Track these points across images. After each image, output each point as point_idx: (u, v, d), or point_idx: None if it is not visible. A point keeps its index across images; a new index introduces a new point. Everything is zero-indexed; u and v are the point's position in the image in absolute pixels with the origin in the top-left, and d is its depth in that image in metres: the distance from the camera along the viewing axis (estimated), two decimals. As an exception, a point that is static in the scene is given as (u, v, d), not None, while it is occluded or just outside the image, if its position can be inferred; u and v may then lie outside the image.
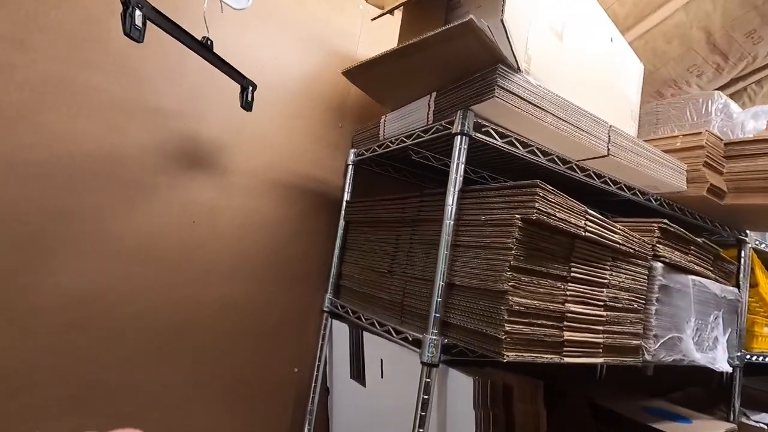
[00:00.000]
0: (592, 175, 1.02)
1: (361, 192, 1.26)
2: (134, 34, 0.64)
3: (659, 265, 0.92)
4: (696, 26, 1.50)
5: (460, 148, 0.81)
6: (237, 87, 0.98)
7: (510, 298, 0.68)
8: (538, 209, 0.68)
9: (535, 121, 0.81)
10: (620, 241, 0.83)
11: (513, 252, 0.69)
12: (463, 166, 0.81)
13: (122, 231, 0.97)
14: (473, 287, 0.74)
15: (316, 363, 1.20)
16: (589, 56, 1.00)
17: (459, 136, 0.81)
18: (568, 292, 0.76)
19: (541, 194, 0.69)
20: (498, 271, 0.70)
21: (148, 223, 1.00)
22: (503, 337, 0.68)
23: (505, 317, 0.68)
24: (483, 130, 0.84)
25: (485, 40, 0.73)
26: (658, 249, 0.92)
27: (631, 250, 0.86)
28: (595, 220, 0.78)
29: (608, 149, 0.93)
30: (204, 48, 0.80)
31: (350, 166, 1.24)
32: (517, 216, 0.70)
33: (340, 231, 1.22)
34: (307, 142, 1.21)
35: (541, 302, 0.72)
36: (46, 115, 0.90)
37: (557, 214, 0.71)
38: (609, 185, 1.06)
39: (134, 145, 0.98)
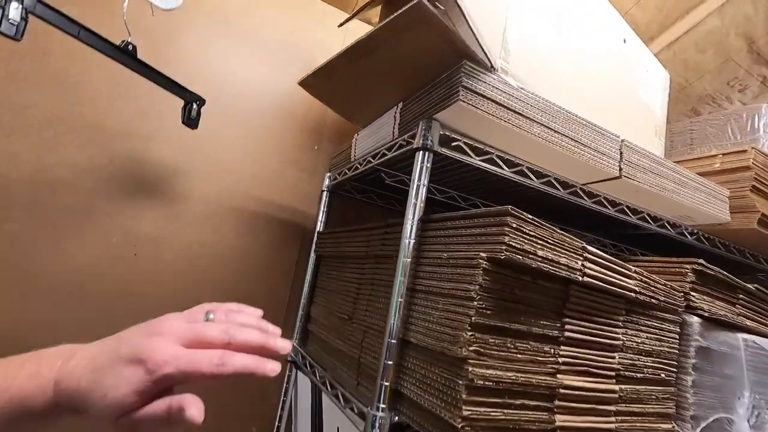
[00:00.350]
0: (604, 202, 0.82)
1: (339, 222, 1.11)
2: (8, 30, 0.52)
3: (695, 319, 0.70)
4: (734, 33, 1.29)
5: (421, 166, 0.64)
6: (225, 116, 0.87)
7: (470, 369, 0.49)
8: (509, 245, 0.50)
9: (519, 132, 0.64)
10: (636, 288, 0.62)
11: (475, 303, 0.50)
12: (424, 188, 0.64)
13: (48, 264, 0.85)
14: (430, 348, 0.56)
15: (276, 423, 1.02)
16: (595, 58, 0.82)
17: (420, 152, 0.65)
18: (560, 359, 0.56)
19: (513, 225, 0.51)
20: (456, 329, 0.52)
21: (81, 255, 0.88)
22: (460, 425, 0.48)
23: (463, 396, 0.49)
24: (453, 144, 0.67)
25: (444, 30, 0.57)
26: (693, 298, 0.70)
27: (653, 301, 0.64)
28: (599, 260, 0.58)
29: (620, 169, 0.74)
30: (122, 53, 0.68)
31: (325, 192, 1.09)
32: (483, 255, 0.51)
33: (310, 267, 1.06)
34: (277, 166, 1.08)
35: (520, 374, 0.53)
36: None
37: (539, 252, 0.52)
38: (628, 215, 0.86)
39: (67, 165, 0.87)
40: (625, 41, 0.89)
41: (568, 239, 0.55)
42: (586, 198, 0.80)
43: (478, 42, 0.58)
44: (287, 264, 1.08)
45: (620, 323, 0.62)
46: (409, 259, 0.62)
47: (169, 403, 0.31)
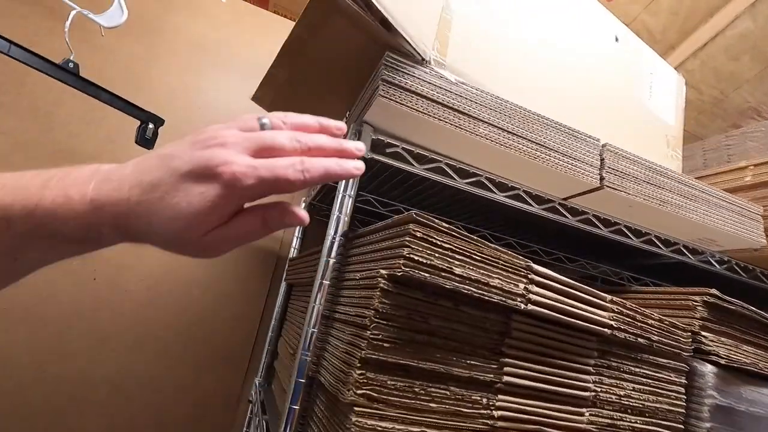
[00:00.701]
0: (593, 220, 0.69)
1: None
2: None
3: (709, 368, 0.53)
4: (772, 34, 1.13)
5: (348, 176, 0.56)
6: (167, 130, 0.85)
7: (355, 419, 0.38)
8: (409, 259, 0.39)
9: (459, 133, 0.54)
10: (611, 322, 0.48)
11: (369, 333, 0.40)
12: (350, 199, 0.55)
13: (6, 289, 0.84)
14: (330, 391, 0.45)
15: (233, 473, 0.91)
16: (575, 56, 0.72)
17: (347, 159, 0.56)
18: (497, 412, 0.43)
19: (417, 234, 0.40)
20: (349, 365, 0.41)
21: (38, 278, 0.86)
22: (337, 497, 0.37)
23: (345, 457, 0.37)
24: (390, 150, 0.58)
25: (360, 20, 0.50)
26: (705, 339, 0.54)
27: (640, 340, 0.50)
28: (552, 283, 0.46)
29: (601, 178, 0.61)
30: (62, 71, 0.68)
31: (299, 218, 1.02)
32: (384, 272, 0.41)
33: (280, 296, 0.98)
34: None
35: (434, 430, 0.40)
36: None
37: (456, 270, 0.41)
38: (628, 237, 0.71)
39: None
40: (617, 39, 0.78)
41: (505, 255, 0.44)
42: (568, 215, 0.67)
43: (401, 33, 0.50)
44: (257, 294, 1.01)
45: (591, 368, 0.48)
46: (327, 282, 0.52)
47: (262, 212, 0.30)
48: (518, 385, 0.44)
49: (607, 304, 0.49)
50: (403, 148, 0.59)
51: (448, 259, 0.41)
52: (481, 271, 0.42)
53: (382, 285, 0.41)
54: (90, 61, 0.87)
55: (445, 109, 0.54)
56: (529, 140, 0.57)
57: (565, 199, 0.67)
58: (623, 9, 1.08)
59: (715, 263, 0.77)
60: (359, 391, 0.39)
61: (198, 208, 0.28)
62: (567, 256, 0.98)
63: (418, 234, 0.40)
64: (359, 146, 0.33)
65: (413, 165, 0.59)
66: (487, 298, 0.42)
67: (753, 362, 0.55)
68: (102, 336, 0.89)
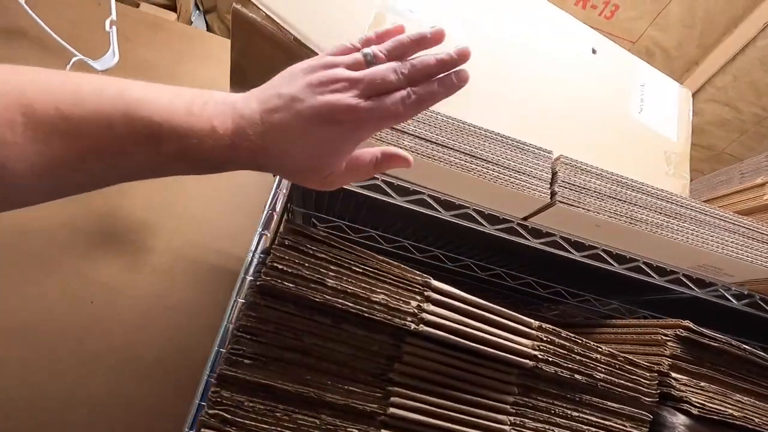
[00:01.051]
0: (562, 243, 0.61)
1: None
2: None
3: (680, 419, 0.43)
4: (814, 40, 1.00)
5: (275, 192, 0.56)
6: None
7: (200, 441, 0.35)
8: (272, 268, 0.37)
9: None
10: (536, 353, 0.41)
11: (229, 347, 0.37)
12: (276, 216, 0.54)
13: (3, 304, 0.91)
14: (212, 413, 0.42)
15: None
16: (546, 71, 0.67)
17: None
18: (377, 450, 0.37)
19: (286, 242, 0.38)
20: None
21: (38, 299, 0.93)
22: None
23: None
24: (320, 168, 0.57)
25: (276, 38, 0.51)
26: (674, 382, 0.44)
27: (580, 378, 0.42)
28: (457, 303, 0.40)
29: (553, 192, 0.55)
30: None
31: (289, 247, 1.03)
32: (252, 280, 0.39)
33: (264, 326, 0.97)
34: (243, 220, 1.07)
35: (295, 462, 0.36)
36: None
37: (329, 282, 0.38)
38: (608, 262, 0.62)
39: (44, 217, 0.97)
40: (594, 51, 0.73)
41: (396, 269, 0.40)
42: (529, 237, 0.61)
43: (314, 50, 0.51)
44: (244, 322, 1.01)
45: (509, 407, 0.41)
46: (242, 300, 0.51)
47: (373, 157, 0.36)
48: (407, 419, 0.38)
49: (532, 332, 0.42)
50: (335, 165, 0.57)
51: (321, 269, 0.38)
52: (363, 285, 0.39)
53: (249, 297, 0.38)
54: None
55: (365, 121, 0.52)
56: (463, 152, 0.53)
57: (524, 219, 0.61)
58: (627, 26, 1.01)
59: (731, 298, 0.65)
60: (211, 411, 0.36)
61: (325, 150, 0.32)
62: (568, 290, 0.89)
63: (287, 242, 0.38)
64: (462, 51, 0.33)
65: (350, 185, 0.57)
66: (367, 315, 0.38)
67: (742, 415, 0.44)
68: (93, 357, 0.92)
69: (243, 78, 0.63)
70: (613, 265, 0.62)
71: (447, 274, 0.97)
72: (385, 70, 0.32)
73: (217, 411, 0.36)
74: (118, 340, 0.94)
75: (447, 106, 0.50)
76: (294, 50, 0.52)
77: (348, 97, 0.31)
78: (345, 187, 0.57)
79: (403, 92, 0.31)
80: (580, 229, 0.60)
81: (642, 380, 0.44)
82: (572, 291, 0.89)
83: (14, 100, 0.25)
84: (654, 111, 0.75)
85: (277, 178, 0.57)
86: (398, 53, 0.33)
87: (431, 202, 0.59)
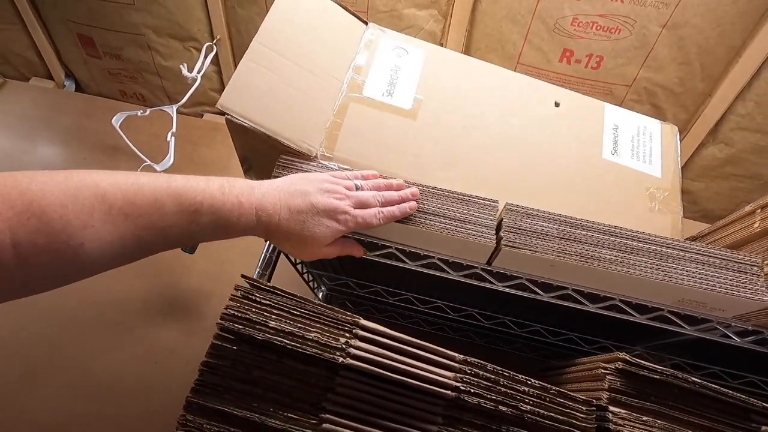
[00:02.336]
0: (528, 284, 0.64)
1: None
2: None
3: (618, 454, 0.43)
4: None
5: (265, 254, 0.67)
6: (222, 243, 1.12)
7: (165, 455, 0.44)
8: (227, 314, 0.47)
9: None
10: (457, 384, 0.45)
11: (196, 379, 0.47)
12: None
13: (83, 366, 1.10)
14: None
15: None
16: (509, 132, 0.74)
17: (268, 242, 0.68)
18: (308, 470, 0.43)
19: (239, 293, 0.48)
20: (185, 410, 0.48)
21: (111, 360, 1.11)
22: None
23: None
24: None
25: (257, 133, 0.66)
26: (609, 415, 0.44)
27: (502, 409, 0.44)
28: (380, 338, 0.46)
29: (499, 238, 0.59)
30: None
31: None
32: (218, 324, 0.49)
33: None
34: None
35: (239, 478, 0.43)
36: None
37: (271, 324, 0.46)
38: (580, 302, 0.63)
39: (123, 290, 1.19)
40: (557, 104, 0.78)
41: (329, 311, 0.48)
42: (494, 280, 0.65)
43: (282, 141, 0.64)
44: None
45: (432, 436, 0.44)
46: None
47: (344, 244, 0.55)
48: (338, 444, 0.44)
49: (455, 364, 0.46)
50: (314, 230, 0.68)
51: (265, 313, 0.47)
52: (299, 325, 0.47)
53: (213, 338, 0.49)
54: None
55: (327, 192, 0.63)
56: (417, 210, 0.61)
57: (488, 263, 0.65)
58: (617, 72, 1.05)
59: (732, 335, 0.61)
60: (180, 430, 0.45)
61: (323, 234, 0.48)
62: (581, 336, 0.86)
63: (240, 293, 0.48)
64: (414, 191, 0.57)
65: (324, 243, 0.68)
66: (301, 350, 0.46)
67: None
68: (157, 410, 1.07)
69: (250, 166, 0.78)
70: (586, 305, 0.63)
71: (449, 322, 0.99)
72: (368, 194, 0.52)
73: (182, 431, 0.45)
74: (175, 395, 1.08)
75: (448, 179, 0.60)
76: (272, 143, 0.66)
77: (345, 205, 0.49)
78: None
79: (376, 210, 0.52)
80: (541, 271, 0.62)
81: (576, 413, 0.44)
82: (586, 338, 0.87)
83: (92, 193, 0.33)
84: (631, 151, 0.77)
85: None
86: (375, 187, 0.54)
87: (398, 254, 0.66)
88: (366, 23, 0.79)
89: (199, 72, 1.16)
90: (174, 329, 1.16)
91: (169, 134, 1.08)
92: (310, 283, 1.02)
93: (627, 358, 0.46)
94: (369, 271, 0.88)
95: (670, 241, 0.59)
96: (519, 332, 0.88)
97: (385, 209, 0.52)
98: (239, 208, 0.42)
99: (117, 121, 1.14)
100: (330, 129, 0.68)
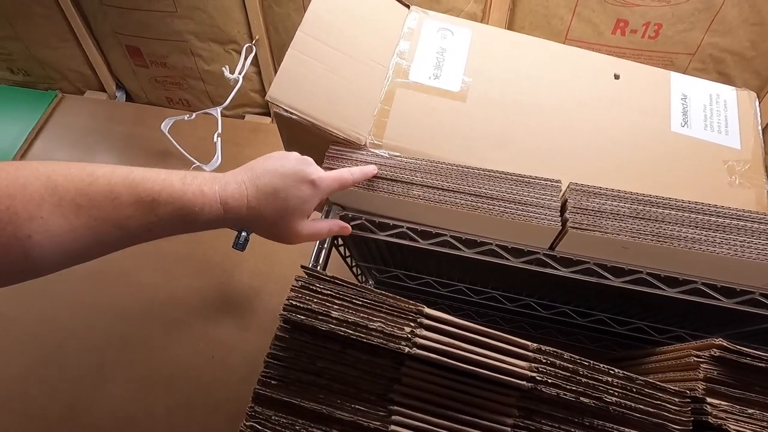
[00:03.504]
0: (597, 270, 0.60)
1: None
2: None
3: (721, 450, 0.38)
4: None
5: (319, 248, 0.67)
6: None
7: (237, 446, 0.44)
8: (289, 305, 0.46)
9: (397, 199, 0.60)
10: (533, 374, 0.42)
11: (262, 371, 0.47)
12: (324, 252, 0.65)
13: (151, 359, 1.15)
14: None
15: None
16: (569, 107, 0.70)
17: (319, 235, 0.68)
18: (380, 464, 0.41)
19: (299, 284, 0.47)
20: (252, 402, 0.47)
21: (176, 356, 1.15)
22: None
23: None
24: (355, 223, 0.67)
25: (312, 126, 0.65)
26: (708, 408, 0.40)
27: (584, 401, 0.41)
28: (447, 327, 0.44)
29: (564, 220, 0.55)
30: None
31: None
32: (280, 315, 0.49)
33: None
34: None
35: (310, 470, 0.42)
36: (139, 274, 1.27)
37: (333, 314, 0.45)
38: (657, 287, 0.58)
39: (182, 287, 1.23)
40: (617, 77, 0.73)
41: (390, 300, 0.46)
42: (559, 266, 0.61)
43: (330, 131, 0.63)
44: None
45: (509, 429, 0.42)
46: (293, 340, 0.61)
47: (329, 224, 0.57)
48: (409, 437, 0.42)
49: (529, 353, 0.43)
50: (366, 219, 0.67)
51: (327, 303, 0.46)
52: (362, 315, 0.46)
53: (276, 329, 0.48)
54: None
55: (379, 180, 0.61)
56: (468, 194, 0.59)
57: (551, 248, 0.61)
58: (678, 39, 0.96)
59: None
60: (247, 423, 0.45)
61: (299, 202, 0.46)
62: (651, 325, 0.81)
63: (299, 283, 0.48)
64: (372, 169, 0.58)
65: (376, 233, 0.66)
66: (365, 340, 0.45)
67: None
68: (215, 407, 1.10)
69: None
70: (663, 289, 0.58)
71: (502, 313, 0.95)
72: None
73: (252, 423, 0.45)
74: (232, 388, 1.11)
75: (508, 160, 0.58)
76: (321, 134, 0.65)
77: (314, 168, 0.50)
78: (371, 237, 0.66)
79: (346, 168, 0.55)
80: (611, 254, 0.58)
81: (668, 406, 0.40)
82: (659, 327, 0.81)
83: (42, 185, 0.32)
84: (704, 122, 0.70)
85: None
86: None
87: (454, 242, 0.64)
88: (408, 7, 0.77)
89: (240, 73, 1.18)
90: (229, 325, 1.19)
91: (215, 135, 1.10)
92: (359, 277, 1.01)
93: (725, 344, 0.41)
94: (419, 261, 0.86)
95: (762, 216, 0.53)
96: (580, 321, 0.84)
97: (354, 169, 0.54)
98: (201, 198, 0.40)
99: (165, 126, 1.18)
100: (378, 116, 0.67)
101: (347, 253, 0.88)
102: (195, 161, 1.06)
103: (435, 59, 0.72)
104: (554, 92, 0.71)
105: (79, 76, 1.61)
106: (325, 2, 0.71)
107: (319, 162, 0.65)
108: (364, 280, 1.07)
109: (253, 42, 1.28)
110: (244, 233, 1.08)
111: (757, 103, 0.73)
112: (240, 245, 1.09)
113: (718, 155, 0.68)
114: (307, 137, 0.69)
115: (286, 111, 0.64)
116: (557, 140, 0.68)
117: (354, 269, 0.97)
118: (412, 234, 0.65)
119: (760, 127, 0.71)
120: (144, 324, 1.21)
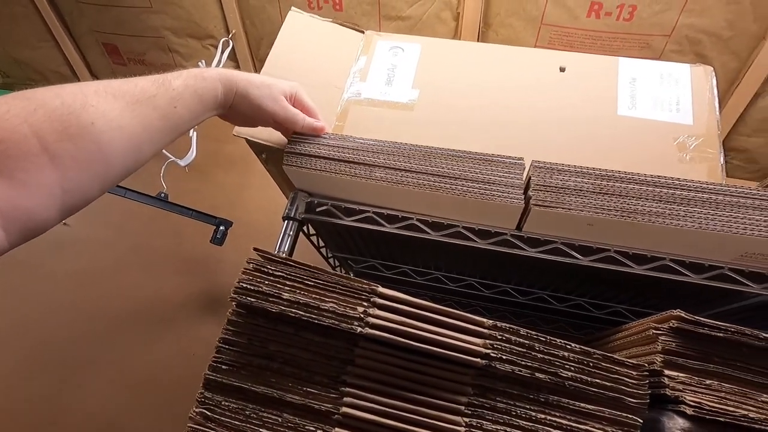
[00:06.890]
0: (565, 249, 0.58)
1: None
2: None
3: (678, 422, 0.37)
4: None
5: (283, 235, 0.66)
6: (251, 234, 1.13)
7: (186, 434, 0.42)
8: (239, 287, 0.45)
9: (359, 182, 0.59)
10: (488, 351, 0.41)
11: (212, 356, 0.45)
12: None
13: (135, 359, 1.13)
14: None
15: None
16: (516, 101, 0.69)
17: (285, 222, 0.66)
18: (331, 446, 0.40)
19: (251, 266, 0.46)
20: (204, 389, 0.46)
21: (160, 353, 1.14)
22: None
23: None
24: (320, 209, 0.66)
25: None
26: (669, 381, 0.39)
27: (539, 376, 0.40)
28: (401, 306, 0.43)
29: (528, 198, 0.54)
30: (158, 200, 1.01)
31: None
32: (231, 298, 0.48)
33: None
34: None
35: (260, 455, 0.41)
36: (121, 273, 1.26)
37: (285, 296, 0.44)
38: (626, 264, 0.57)
39: (169, 287, 1.22)
40: (562, 69, 0.72)
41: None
42: (526, 246, 0.60)
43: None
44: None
45: (463, 408, 0.40)
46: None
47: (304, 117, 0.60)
48: (360, 418, 0.41)
49: (485, 330, 0.42)
50: (332, 205, 0.66)
51: (278, 285, 0.45)
52: (314, 296, 0.44)
53: (228, 313, 0.47)
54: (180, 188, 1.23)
55: (341, 163, 0.60)
56: (430, 174, 0.57)
57: (517, 229, 0.60)
58: (653, 21, 0.95)
59: (810, 291, 0.53)
60: (197, 409, 0.43)
61: (282, 105, 0.57)
62: (629, 309, 0.80)
63: (251, 266, 0.46)
64: (321, 126, 0.62)
65: (342, 218, 0.65)
66: (317, 321, 0.43)
67: (762, 416, 0.36)
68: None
69: (267, 158, 0.77)
70: (632, 267, 0.57)
71: (482, 302, 0.94)
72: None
73: (201, 409, 0.43)
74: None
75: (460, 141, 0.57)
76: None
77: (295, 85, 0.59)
78: (338, 222, 0.65)
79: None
80: (578, 232, 0.57)
81: (625, 379, 0.39)
82: (636, 309, 0.79)
83: (77, 87, 0.37)
84: (653, 102, 0.69)
85: (285, 224, 0.67)
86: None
87: (420, 225, 0.62)
88: (363, 32, 0.78)
89: (216, 67, 1.16)
90: (210, 322, 1.18)
91: (191, 130, 1.09)
92: (336, 269, 1.00)
93: (682, 315, 0.40)
94: (394, 250, 0.85)
95: (727, 188, 0.52)
96: (559, 306, 0.83)
97: (308, 119, 0.61)
98: (202, 72, 0.48)
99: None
100: (333, 132, 0.66)
101: (321, 243, 0.87)
102: (170, 156, 1.05)
103: (386, 75, 0.74)
104: (501, 92, 0.70)
105: (59, 76, 1.59)
106: (285, 44, 0.75)
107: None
108: (342, 272, 1.06)
109: (230, 36, 1.27)
110: (222, 227, 1.07)
111: (713, 76, 0.72)
112: (218, 240, 1.08)
113: (668, 133, 0.67)
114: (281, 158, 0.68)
115: (250, 140, 0.65)
116: (505, 136, 0.67)
117: (331, 261, 0.95)
118: (378, 219, 0.64)
119: (716, 102, 0.70)
120: (126, 323, 1.20)
